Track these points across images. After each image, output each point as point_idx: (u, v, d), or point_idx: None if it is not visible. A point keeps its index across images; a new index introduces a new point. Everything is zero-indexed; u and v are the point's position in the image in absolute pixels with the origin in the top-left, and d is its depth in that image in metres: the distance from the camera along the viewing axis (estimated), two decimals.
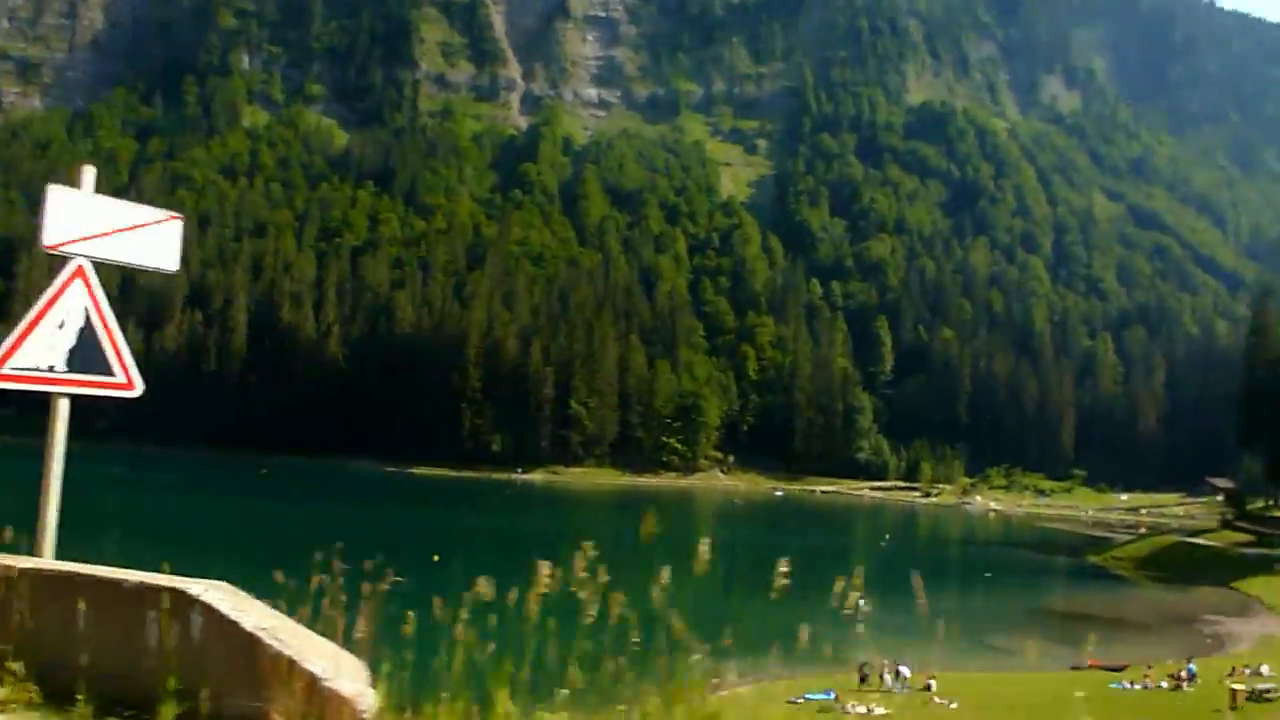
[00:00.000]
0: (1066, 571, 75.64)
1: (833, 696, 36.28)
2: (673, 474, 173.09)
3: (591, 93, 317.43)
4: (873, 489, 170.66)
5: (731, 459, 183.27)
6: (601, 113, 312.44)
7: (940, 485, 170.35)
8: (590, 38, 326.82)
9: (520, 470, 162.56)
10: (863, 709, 35.39)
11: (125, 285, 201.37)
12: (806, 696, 35.66)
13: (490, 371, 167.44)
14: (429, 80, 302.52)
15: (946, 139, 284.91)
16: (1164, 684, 34.87)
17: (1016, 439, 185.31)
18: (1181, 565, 69.23)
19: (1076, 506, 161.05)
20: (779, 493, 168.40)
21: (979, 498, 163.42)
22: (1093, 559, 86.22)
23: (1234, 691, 31.22)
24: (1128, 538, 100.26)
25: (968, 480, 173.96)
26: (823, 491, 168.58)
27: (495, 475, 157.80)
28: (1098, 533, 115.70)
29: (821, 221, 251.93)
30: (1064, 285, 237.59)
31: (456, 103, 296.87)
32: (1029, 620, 52.79)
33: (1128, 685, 36.86)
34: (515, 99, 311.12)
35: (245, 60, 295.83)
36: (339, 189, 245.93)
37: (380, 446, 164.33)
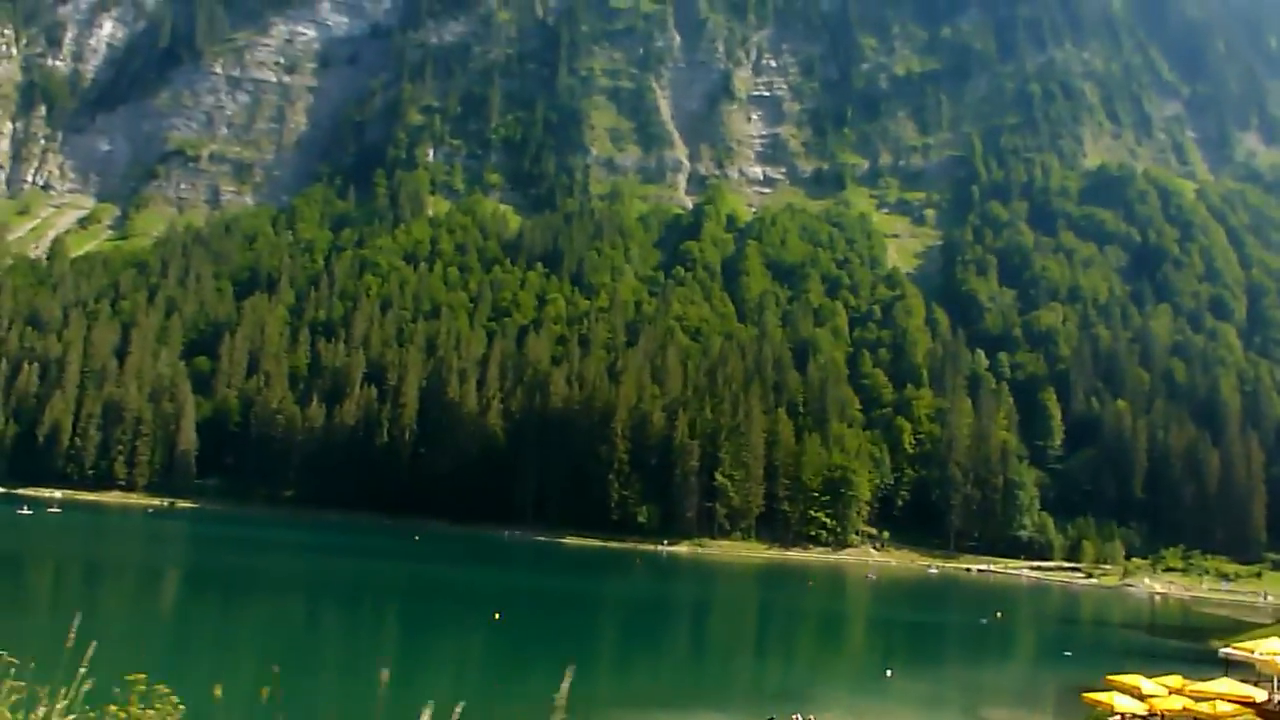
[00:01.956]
0: (1172, 656, 70.39)
1: None
2: (822, 549, 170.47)
3: (756, 170, 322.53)
4: (1031, 569, 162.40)
5: (886, 535, 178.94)
6: (766, 189, 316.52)
7: (1104, 566, 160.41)
8: (755, 116, 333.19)
9: (666, 542, 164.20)
10: None
11: (314, 362, 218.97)
12: None
13: (638, 444, 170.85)
14: (598, 164, 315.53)
15: (1126, 202, 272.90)
16: None
17: (1197, 518, 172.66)
18: None
19: (1263, 593, 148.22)
20: (933, 570, 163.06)
21: (1147, 580, 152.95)
22: (1215, 644, 79.74)
23: None
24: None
25: (1140, 561, 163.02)
26: (979, 570, 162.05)
27: (642, 546, 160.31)
28: (1266, 620, 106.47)
29: (989, 291, 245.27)
30: (1258, 353, 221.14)
31: (624, 185, 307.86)
32: (1051, 698, 50.24)
33: None
34: (681, 179, 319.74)
35: (430, 153, 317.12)
36: (510, 271, 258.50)
37: (533, 516, 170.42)
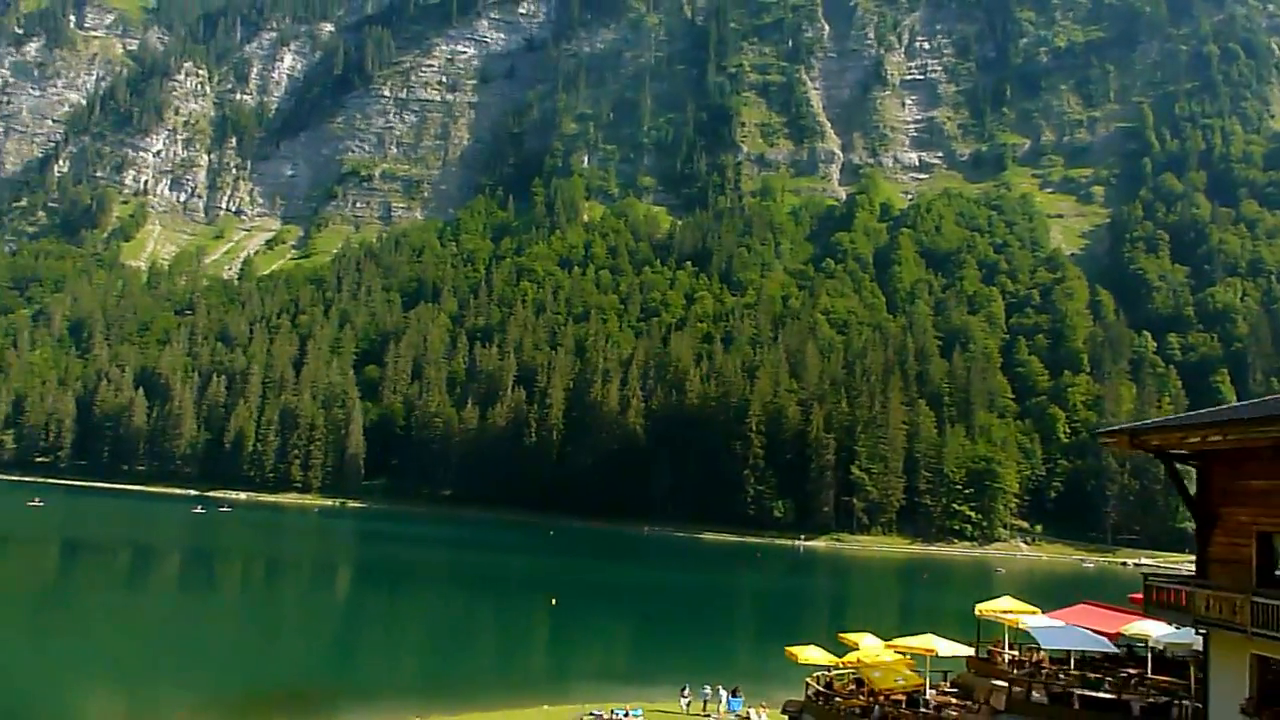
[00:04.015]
0: None
1: (639, 714, 39.05)
2: (967, 543, 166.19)
3: (912, 156, 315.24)
4: (1192, 563, 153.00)
5: (1038, 528, 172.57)
6: (923, 175, 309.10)
7: None
8: (909, 101, 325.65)
9: (803, 537, 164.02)
10: None
11: (470, 367, 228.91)
12: (614, 711, 39.00)
13: (773, 439, 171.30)
14: (750, 161, 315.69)
15: None
16: None
17: None
18: None
19: None
20: (1088, 565, 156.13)
21: None
22: None
23: None
24: None
25: None
26: (1134, 565, 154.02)
27: (779, 541, 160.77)
28: None
29: (1160, 269, 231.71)
30: None
31: (775, 180, 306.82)
32: None
33: None
34: (835, 170, 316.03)
35: (585, 160, 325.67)
36: (660, 272, 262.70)
37: (671, 511, 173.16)
